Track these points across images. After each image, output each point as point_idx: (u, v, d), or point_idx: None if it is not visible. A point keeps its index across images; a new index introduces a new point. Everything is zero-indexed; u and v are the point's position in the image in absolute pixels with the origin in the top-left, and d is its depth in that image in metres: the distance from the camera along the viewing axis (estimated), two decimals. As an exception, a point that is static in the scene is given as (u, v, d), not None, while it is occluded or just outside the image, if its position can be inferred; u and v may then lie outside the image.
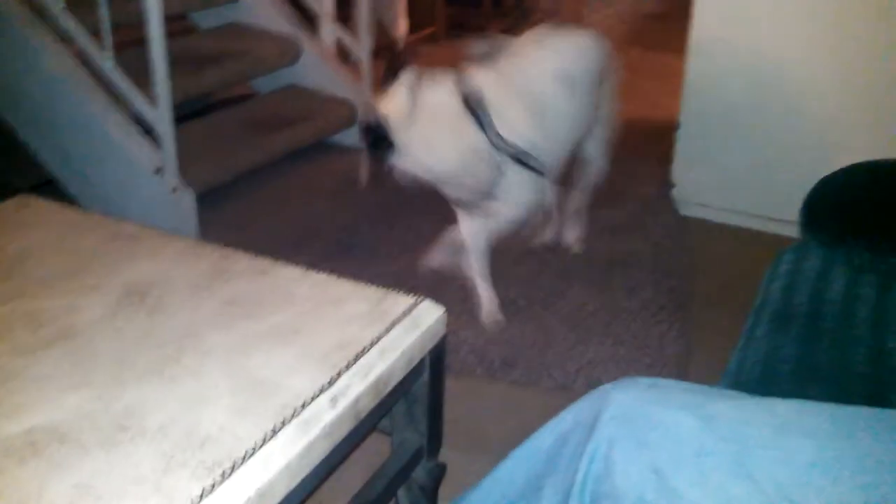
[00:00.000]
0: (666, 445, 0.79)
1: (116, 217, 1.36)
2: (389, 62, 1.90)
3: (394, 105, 1.80)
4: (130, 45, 2.45)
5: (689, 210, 2.71)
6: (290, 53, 3.16)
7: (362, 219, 2.64)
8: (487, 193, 1.92)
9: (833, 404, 0.83)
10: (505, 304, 2.17)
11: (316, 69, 3.21)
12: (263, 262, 1.21)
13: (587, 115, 2.12)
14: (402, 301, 1.12)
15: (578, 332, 2.06)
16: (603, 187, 2.39)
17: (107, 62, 2.25)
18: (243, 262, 1.21)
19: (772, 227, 2.54)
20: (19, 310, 1.07)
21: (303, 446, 0.86)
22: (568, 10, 5.12)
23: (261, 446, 0.84)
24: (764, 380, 1.13)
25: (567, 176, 2.29)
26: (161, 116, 2.25)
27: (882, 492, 0.73)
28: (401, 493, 1.22)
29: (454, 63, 2.00)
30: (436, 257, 2.24)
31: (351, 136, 3.21)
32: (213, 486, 0.79)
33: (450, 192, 1.97)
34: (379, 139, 1.79)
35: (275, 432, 0.86)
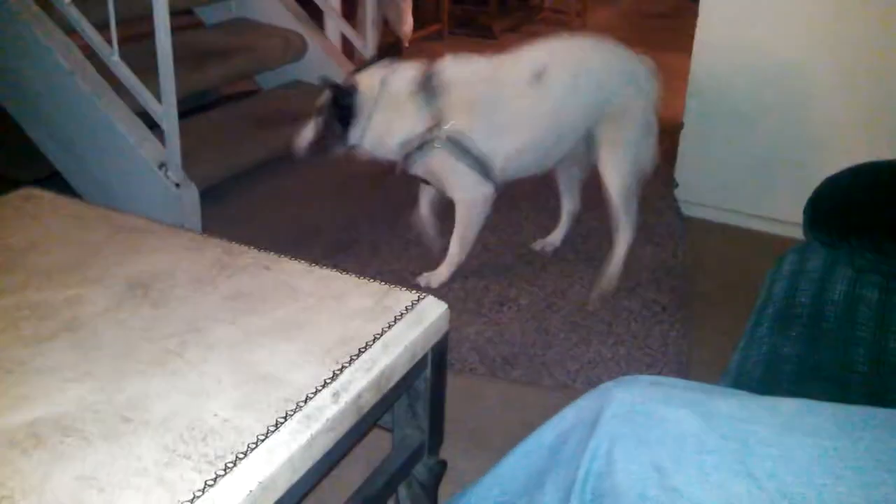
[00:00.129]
0: (667, 443, 0.79)
1: (120, 210, 1.37)
2: (382, 51, 2.00)
3: (366, 81, 2.03)
4: (136, 39, 2.45)
5: (691, 210, 2.70)
6: (294, 49, 3.16)
7: (364, 217, 2.64)
8: (432, 175, 2.08)
9: (834, 404, 0.83)
10: (506, 302, 2.18)
11: (321, 65, 3.20)
12: (267, 257, 1.21)
13: (568, 131, 2.10)
14: (405, 297, 1.12)
15: (579, 332, 2.07)
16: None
17: (112, 56, 2.26)
18: (247, 257, 1.21)
19: (774, 228, 2.54)
20: (23, 302, 1.07)
21: (305, 440, 0.87)
22: (573, 9, 5.11)
23: (263, 440, 0.85)
24: (765, 379, 1.13)
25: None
26: (166, 111, 2.25)
27: (883, 491, 0.73)
28: (401, 489, 1.22)
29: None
30: (420, 215, 2.31)
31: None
32: (215, 478, 0.79)
33: (403, 170, 2.10)
34: (343, 100, 2.00)
35: (277, 426, 0.87)
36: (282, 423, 0.87)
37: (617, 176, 2.10)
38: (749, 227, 2.62)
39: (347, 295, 1.13)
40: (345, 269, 1.20)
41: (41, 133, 2.50)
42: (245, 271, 1.17)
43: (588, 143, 2.14)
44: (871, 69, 2.34)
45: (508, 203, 2.58)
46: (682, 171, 2.70)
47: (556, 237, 2.44)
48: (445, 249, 2.23)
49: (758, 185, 2.60)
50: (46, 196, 1.39)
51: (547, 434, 0.94)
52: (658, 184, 2.76)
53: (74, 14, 2.26)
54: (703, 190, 2.68)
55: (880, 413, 0.84)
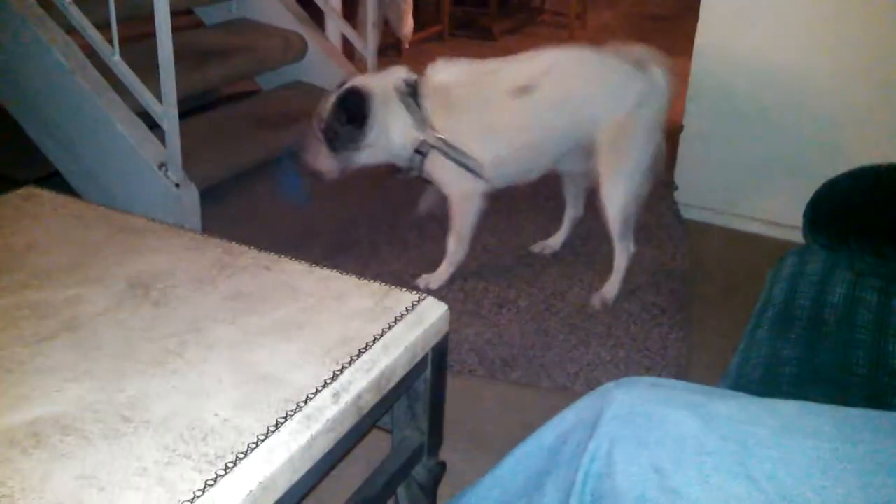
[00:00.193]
0: (667, 445, 0.79)
1: (120, 210, 1.37)
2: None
3: (375, 83, 2.11)
4: (137, 39, 2.45)
5: (691, 212, 2.71)
6: (295, 50, 3.17)
7: (364, 217, 2.64)
8: (428, 174, 2.13)
9: (834, 406, 0.83)
10: (505, 304, 2.18)
11: (321, 66, 3.21)
12: (267, 257, 1.21)
13: (550, 146, 2.10)
14: (405, 297, 1.13)
15: (578, 334, 2.07)
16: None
17: (113, 56, 2.26)
18: (247, 257, 1.21)
19: (773, 231, 2.54)
20: (24, 301, 1.07)
21: (305, 440, 0.87)
22: (574, 11, 5.11)
23: (263, 440, 0.85)
24: (765, 381, 1.13)
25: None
26: (166, 111, 2.25)
27: (883, 493, 0.73)
28: (400, 490, 1.22)
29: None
30: (423, 205, 2.33)
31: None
32: (215, 478, 0.79)
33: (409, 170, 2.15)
34: (357, 103, 2.06)
35: (277, 426, 0.87)
36: (282, 424, 0.87)
37: (613, 206, 2.09)
38: (749, 229, 2.62)
39: (347, 295, 1.13)
40: (345, 270, 1.20)
41: (41, 132, 2.50)
42: (245, 271, 1.17)
43: (589, 154, 2.12)
44: (870, 72, 2.34)
45: (508, 205, 2.58)
46: (681, 174, 2.70)
47: (556, 241, 2.44)
48: (444, 251, 2.23)
49: (757, 187, 2.60)
50: (46, 195, 1.39)
51: (546, 435, 0.94)
52: (658, 186, 2.77)
53: (75, 13, 2.26)
54: (702, 192, 2.68)
55: (880, 415, 0.84)
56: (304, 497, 0.90)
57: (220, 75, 2.94)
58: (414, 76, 2.11)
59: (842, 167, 1.55)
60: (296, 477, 0.86)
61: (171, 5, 2.13)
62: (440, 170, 2.10)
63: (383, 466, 1.16)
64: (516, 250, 2.46)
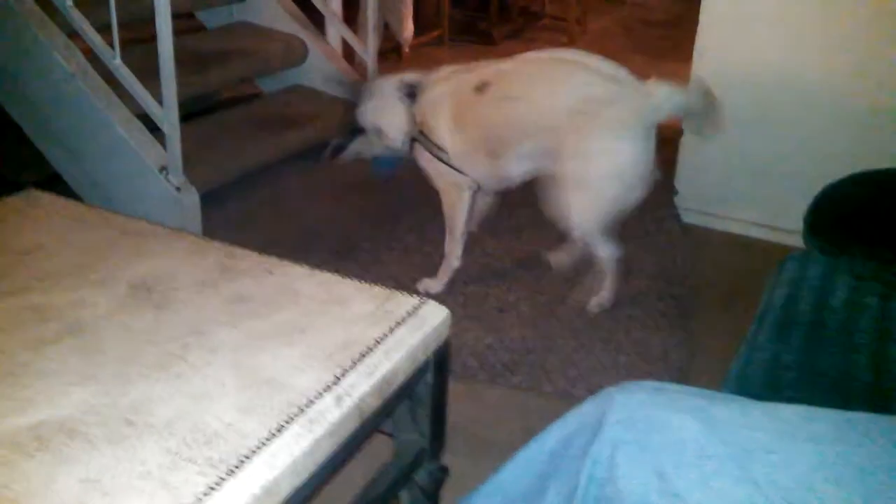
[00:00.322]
0: (669, 449, 0.79)
1: (122, 213, 1.37)
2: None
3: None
4: (138, 42, 2.46)
5: (691, 218, 2.71)
6: (296, 53, 3.17)
7: (365, 221, 2.64)
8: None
9: (835, 410, 0.84)
10: (507, 308, 2.18)
11: (321, 70, 3.22)
12: (269, 261, 1.22)
13: (503, 144, 2.09)
14: (407, 301, 1.13)
15: (580, 339, 2.07)
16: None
17: (114, 59, 2.26)
18: (249, 261, 1.21)
19: (774, 237, 2.55)
20: (27, 304, 1.08)
21: (308, 444, 0.87)
22: (573, 17, 5.12)
23: (266, 444, 0.85)
24: (766, 386, 1.13)
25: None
26: (167, 114, 2.25)
27: (883, 497, 0.73)
28: (402, 494, 1.22)
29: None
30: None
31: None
32: (218, 482, 0.79)
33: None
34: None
35: (280, 430, 0.87)
36: (284, 427, 0.87)
37: (570, 215, 2.03)
38: (749, 234, 2.62)
39: (349, 299, 1.13)
40: (346, 274, 1.20)
41: (42, 135, 2.51)
42: (247, 275, 1.18)
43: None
44: (870, 76, 2.35)
45: (508, 209, 2.59)
46: (682, 179, 2.70)
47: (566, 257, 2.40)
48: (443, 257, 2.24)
49: (758, 193, 2.60)
50: (48, 198, 1.39)
51: (549, 440, 0.94)
52: (658, 191, 2.77)
53: (77, 17, 2.26)
54: (703, 198, 2.69)
55: (881, 420, 0.84)
56: (306, 501, 0.90)
57: (221, 79, 2.94)
58: (417, 78, 2.21)
59: (842, 172, 1.56)
60: (298, 481, 0.86)
61: (172, 9, 2.14)
62: (425, 162, 2.21)
63: (385, 470, 1.16)
64: (517, 254, 2.46)
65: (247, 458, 0.83)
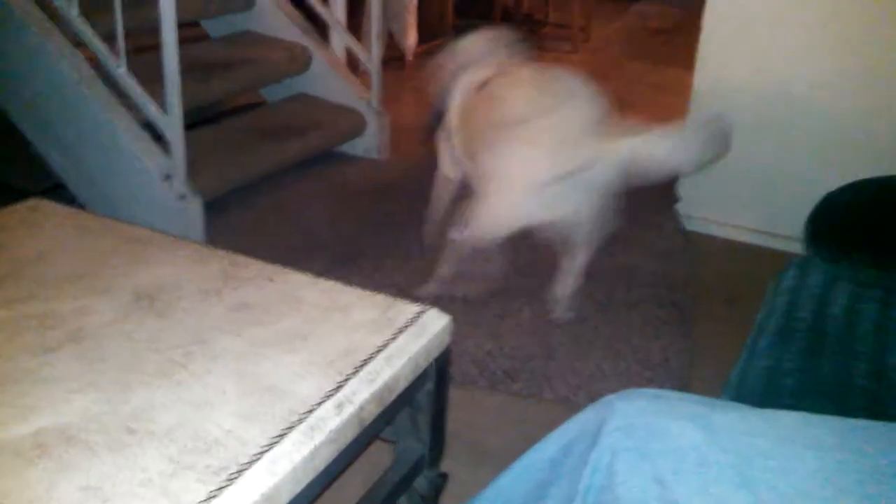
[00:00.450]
0: (668, 456, 0.79)
1: (126, 221, 1.38)
2: None
3: None
4: (143, 51, 2.47)
5: (693, 225, 2.71)
6: (300, 62, 3.18)
7: (368, 229, 2.65)
8: None
9: (835, 417, 0.84)
10: (507, 316, 2.18)
11: (325, 78, 3.23)
12: (272, 269, 1.22)
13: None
14: (408, 309, 1.13)
15: (580, 346, 2.07)
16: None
17: (119, 68, 2.27)
18: (252, 268, 1.22)
19: (775, 244, 2.55)
20: (30, 312, 1.08)
21: (308, 452, 0.87)
22: (576, 25, 5.13)
23: (267, 451, 0.85)
24: (766, 393, 1.13)
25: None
26: (171, 123, 2.26)
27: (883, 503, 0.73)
28: (402, 501, 1.22)
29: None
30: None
31: (359, 146, 3.23)
32: (219, 489, 0.80)
33: None
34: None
35: (281, 437, 0.87)
36: (285, 435, 0.88)
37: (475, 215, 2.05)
38: (751, 241, 2.62)
39: (351, 307, 1.13)
40: (349, 282, 1.21)
41: (47, 144, 2.52)
42: (250, 283, 1.18)
43: None
44: (871, 84, 2.35)
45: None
46: (683, 186, 2.71)
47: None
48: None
49: (759, 200, 2.60)
50: (52, 207, 1.40)
51: (549, 447, 0.94)
52: (660, 198, 2.77)
53: (82, 25, 2.28)
54: (704, 204, 2.69)
55: (881, 426, 0.84)
56: (307, 508, 0.91)
57: (225, 87, 2.95)
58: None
59: (843, 179, 1.56)
60: (298, 488, 0.87)
61: (176, 17, 2.15)
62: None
63: (385, 477, 1.17)
64: (517, 261, 2.47)
65: (247, 465, 0.83)
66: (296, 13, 3.28)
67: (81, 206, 2.46)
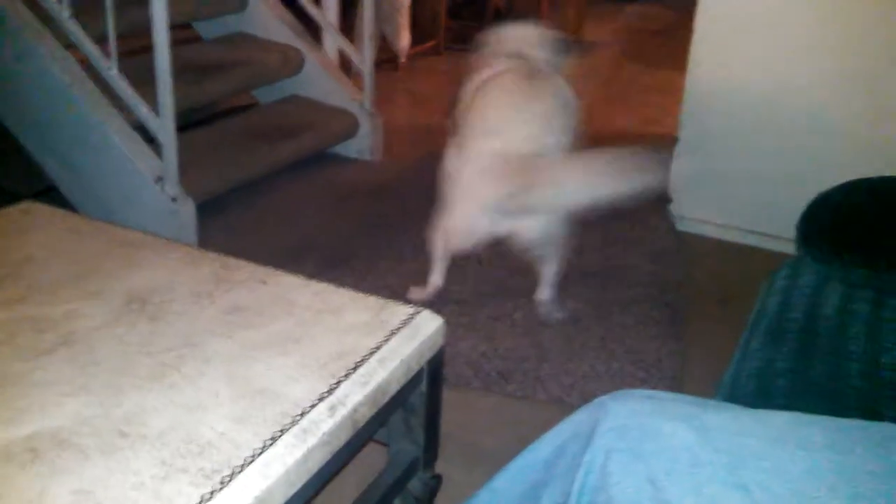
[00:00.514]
0: (661, 456, 0.80)
1: (118, 224, 1.38)
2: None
3: None
4: (135, 53, 2.47)
5: (685, 225, 2.72)
6: (292, 64, 3.18)
7: (361, 230, 2.65)
8: None
9: (827, 417, 0.84)
10: (501, 317, 2.18)
11: (318, 80, 3.23)
12: (264, 271, 1.22)
13: None
14: (401, 311, 1.13)
15: (574, 347, 2.07)
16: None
17: (111, 70, 2.27)
18: (244, 271, 1.22)
19: (768, 244, 2.55)
20: (21, 315, 1.08)
21: (301, 454, 0.87)
22: (569, 27, 5.14)
23: (259, 454, 0.85)
24: (758, 393, 1.14)
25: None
26: (163, 125, 2.26)
27: (875, 503, 0.73)
28: (396, 503, 1.22)
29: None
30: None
31: (352, 148, 3.23)
32: (211, 493, 0.80)
33: None
34: None
35: (273, 440, 0.87)
36: (278, 437, 0.88)
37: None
38: (743, 242, 2.63)
39: (344, 309, 1.13)
40: (341, 283, 1.20)
41: (39, 146, 2.51)
42: (242, 285, 1.18)
43: None
44: (864, 85, 2.36)
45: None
46: (676, 187, 2.71)
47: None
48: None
49: (751, 200, 2.61)
50: (44, 210, 1.39)
51: (543, 448, 0.94)
52: (652, 199, 2.78)
53: (73, 28, 2.27)
54: (697, 205, 2.69)
55: (872, 426, 0.85)
56: (300, 510, 0.90)
57: (218, 89, 2.95)
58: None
59: (835, 180, 1.56)
60: (292, 491, 0.87)
61: (169, 19, 2.15)
62: None
63: (379, 480, 1.17)
64: (510, 263, 2.47)
65: (240, 468, 0.83)
66: (288, 15, 3.28)
67: (74, 209, 2.45)
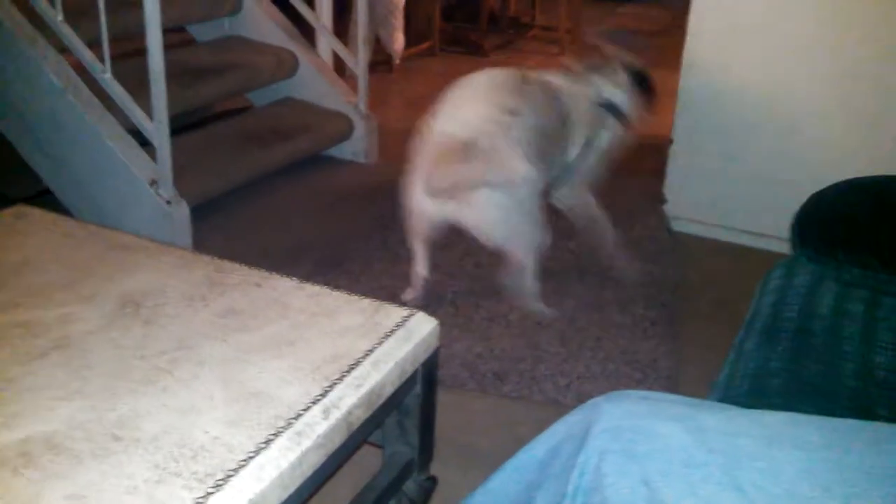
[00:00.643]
0: (656, 457, 0.79)
1: (111, 228, 1.37)
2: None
3: None
4: (128, 56, 2.46)
5: (680, 226, 2.72)
6: (286, 66, 3.18)
7: (356, 233, 2.65)
8: None
9: (822, 417, 0.84)
10: (496, 318, 2.18)
11: (312, 82, 3.23)
12: (258, 274, 1.22)
13: None
14: (395, 313, 1.13)
15: (569, 347, 2.07)
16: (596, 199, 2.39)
17: (104, 74, 2.26)
18: (238, 274, 1.22)
19: (763, 244, 2.56)
20: (15, 319, 1.08)
21: (295, 457, 0.87)
22: (563, 28, 5.15)
23: (253, 457, 0.85)
24: (753, 393, 1.14)
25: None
26: (157, 128, 2.25)
27: (869, 503, 0.73)
28: (392, 505, 1.22)
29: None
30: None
31: (346, 150, 3.23)
32: (205, 496, 0.80)
33: None
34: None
35: (267, 443, 0.87)
36: (272, 440, 0.87)
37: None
38: (738, 242, 2.63)
39: (338, 312, 1.13)
40: (336, 286, 1.20)
41: (32, 150, 2.50)
42: (236, 288, 1.18)
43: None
44: (857, 85, 2.36)
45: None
46: (671, 187, 2.71)
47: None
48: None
49: (746, 200, 2.62)
50: (38, 213, 1.39)
51: (537, 449, 0.94)
52: (647, 200, 2.78)
53: (66, 31, 2.27)
54: (691, 206, 2.70)
55: (867, 426, 0.85)
56: (294, 514, 0.90)
57: (212, 92, 2.94)
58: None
59: (830, 180, 1.56)
60: (286, 494, 0.87)
61: (162, 23, 2.14)
62: None
63: (374, 482, 1.16)
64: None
65: (234, 471, 0.83)
66: (282, 18, 3.28)
67: (68, 212, 2.44)
